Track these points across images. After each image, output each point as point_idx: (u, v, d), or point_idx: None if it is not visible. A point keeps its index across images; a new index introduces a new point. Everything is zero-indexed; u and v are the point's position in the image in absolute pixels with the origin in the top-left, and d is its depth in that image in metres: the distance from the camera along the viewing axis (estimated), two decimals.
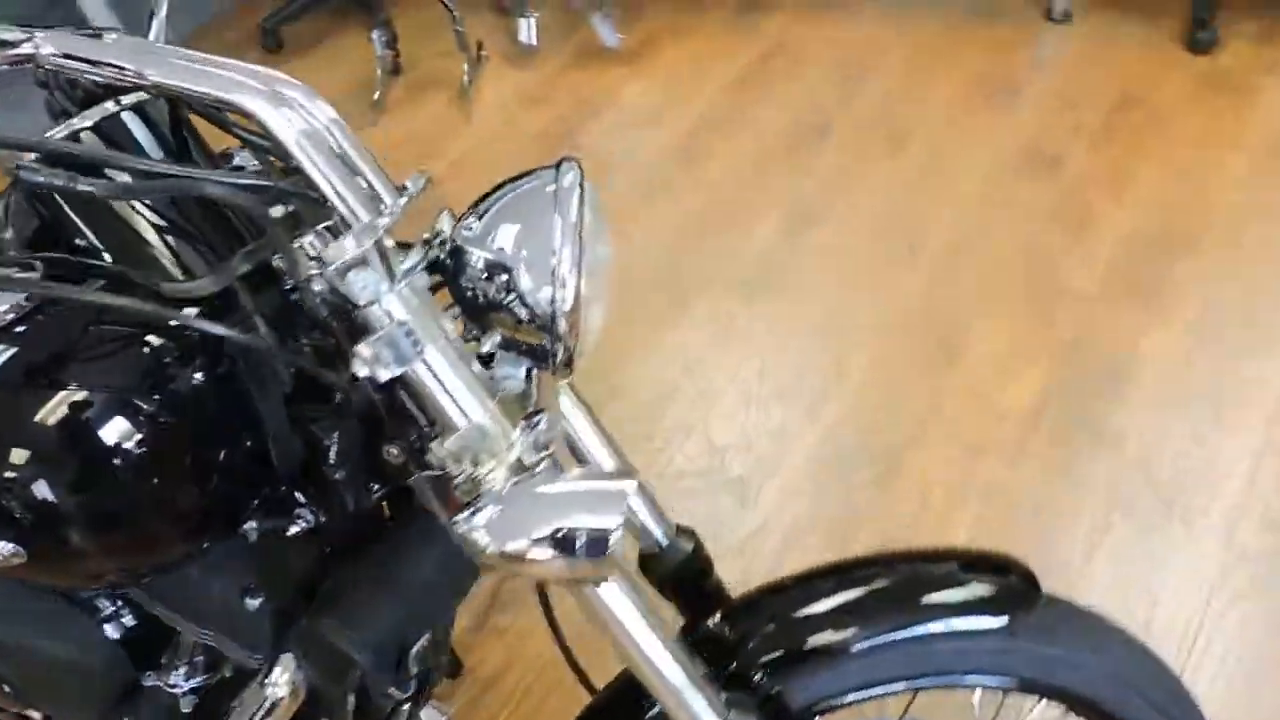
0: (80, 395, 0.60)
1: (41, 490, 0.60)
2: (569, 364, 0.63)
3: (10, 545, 0.60)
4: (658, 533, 0.88)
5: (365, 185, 0.63)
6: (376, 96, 2.43)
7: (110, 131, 0.62)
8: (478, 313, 0.63)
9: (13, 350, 0.62)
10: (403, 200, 0.61)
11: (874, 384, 1.65)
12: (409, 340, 0.53)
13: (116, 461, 0.60)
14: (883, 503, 1.47)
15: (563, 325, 0.60)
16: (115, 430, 0.60)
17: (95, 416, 0.60)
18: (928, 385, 1.62)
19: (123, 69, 0.53)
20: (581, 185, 0.63)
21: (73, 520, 0.61)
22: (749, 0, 2.57)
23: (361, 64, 2.50)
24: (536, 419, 0.59)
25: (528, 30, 2.48)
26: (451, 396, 0.55)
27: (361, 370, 0.53)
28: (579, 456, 0.85)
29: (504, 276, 0.61)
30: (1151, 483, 1.44)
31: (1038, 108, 2.11)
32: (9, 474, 0.59)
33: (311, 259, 0.53)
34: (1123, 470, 1.46)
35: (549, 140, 2.28)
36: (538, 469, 0.56)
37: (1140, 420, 1.52)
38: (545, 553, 0.53)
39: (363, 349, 0.52)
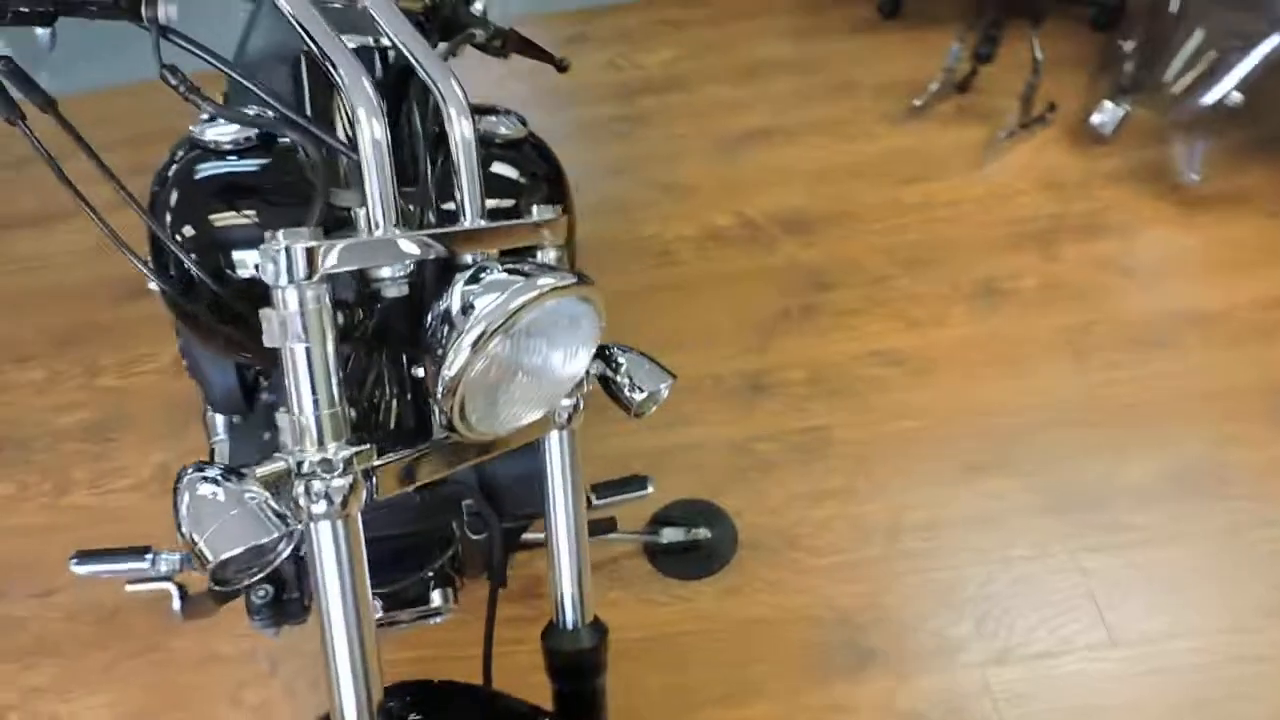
0: (249, 221, 0.82)
1: (193, 266, 0.83)
2: (448, 426, 0.68)
3: (161, 282, 0.86)
4: (570, 614, 0.90)
5: (462, 188, 0.73)
6: (920, 102, 2.38)
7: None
8: (416, 341, 0.70)
9: (237, 167, 0.85)
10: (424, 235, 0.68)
11: None
12: (284, 329, 0.62)
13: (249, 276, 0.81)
14: None
15: (438, 387, 0.65)
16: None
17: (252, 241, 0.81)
18: None
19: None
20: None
21: (200, 299, 0.84)
22: None
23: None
24: (359, 447, 0.65)
25: (1108, 116, 2.19)
26: (296, 388, 0.64)
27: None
28: None
29: (449, 330, 0.68)
30: None
31: None
32: (178, 236, 0.83)
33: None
34: None
35: (1024, 234, 2.06)
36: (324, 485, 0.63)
37: None
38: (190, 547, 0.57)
39: (263, 313, 0.63)
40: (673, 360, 2.00)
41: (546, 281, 0.69)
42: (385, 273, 0.70)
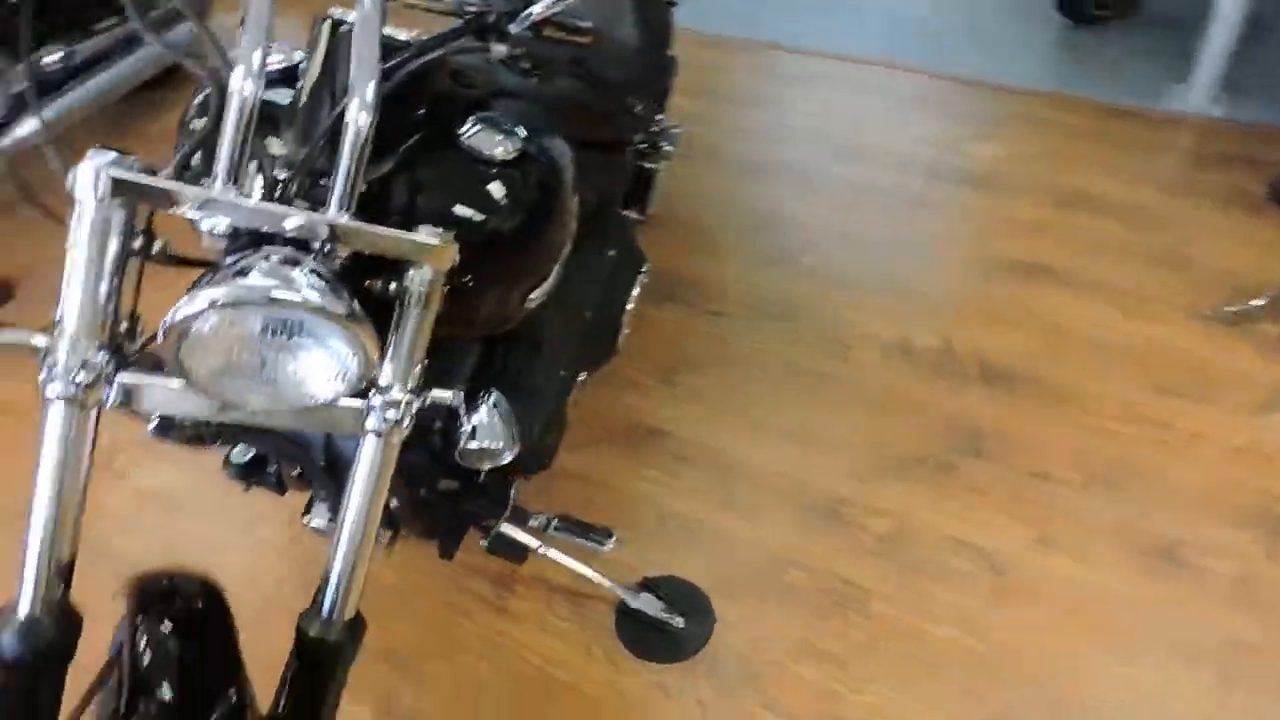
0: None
1: None
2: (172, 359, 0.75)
3: None
4: (327, 604, 0.89)
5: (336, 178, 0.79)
6: (1234, 308, 1.94)
7: None
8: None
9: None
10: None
11: None
12: (74, 233, 0.74)
13: None
14: None
15: (164, 326, 0.73)
16: None
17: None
18: None
19: None
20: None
21: None
22: None
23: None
24: (100, 355, 0.75)
25: None
26: (68, 283, 0.75)
27: None
28: None
29: (208, 279, 0.75)
30: None
31: None
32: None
33: None
34: None
35: (1259, 511, 1.62)
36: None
37: None
38: None
39: (71, 214, 0.76)
40: (777, 451, 1.86)
41: (312, 296, 0.73)
42: (204, 225, 0.78)
